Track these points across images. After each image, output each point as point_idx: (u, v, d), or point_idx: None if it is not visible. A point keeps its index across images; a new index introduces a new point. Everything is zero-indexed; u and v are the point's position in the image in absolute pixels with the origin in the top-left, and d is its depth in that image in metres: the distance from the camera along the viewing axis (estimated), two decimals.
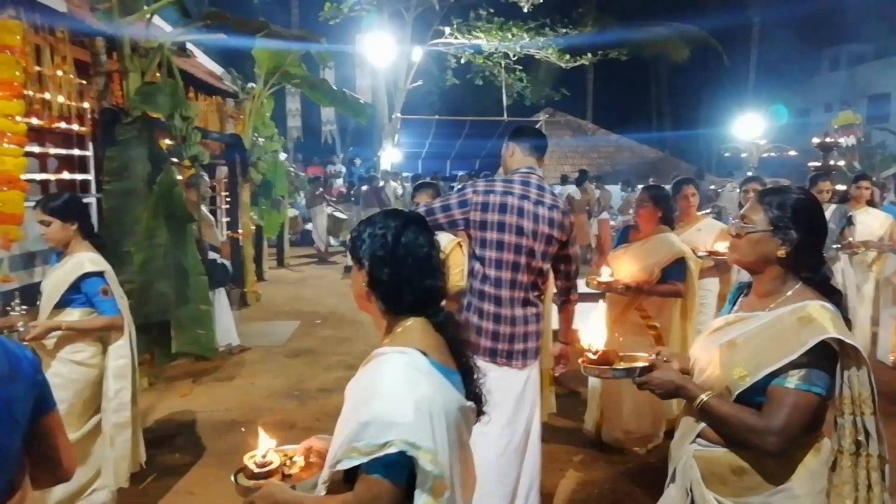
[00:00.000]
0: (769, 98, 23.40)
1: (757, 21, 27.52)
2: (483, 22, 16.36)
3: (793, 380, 1.61)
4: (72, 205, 3.22)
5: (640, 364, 1.72)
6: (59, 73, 5.02)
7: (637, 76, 28.83)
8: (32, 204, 3.46)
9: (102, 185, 5.02)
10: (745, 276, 4.53)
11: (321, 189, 14.49)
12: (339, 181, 19.64)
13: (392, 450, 1.29)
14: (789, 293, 1.72)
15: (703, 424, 1.75)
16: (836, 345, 1.61)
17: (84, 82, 5.33)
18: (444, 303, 1.59)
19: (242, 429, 4.44)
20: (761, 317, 1.72)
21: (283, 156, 11.41)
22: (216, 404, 5.09)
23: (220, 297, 6.32)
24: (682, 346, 3.91)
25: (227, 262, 6.85)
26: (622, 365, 1.73)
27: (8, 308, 4.76)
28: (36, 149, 5.19)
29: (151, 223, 4.81)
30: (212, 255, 6.20)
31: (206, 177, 6.51)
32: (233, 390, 5.43)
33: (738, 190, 9.82)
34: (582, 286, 3.38)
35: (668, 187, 4.61)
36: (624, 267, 3.84)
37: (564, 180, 14.50)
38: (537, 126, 16.19)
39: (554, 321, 3.11)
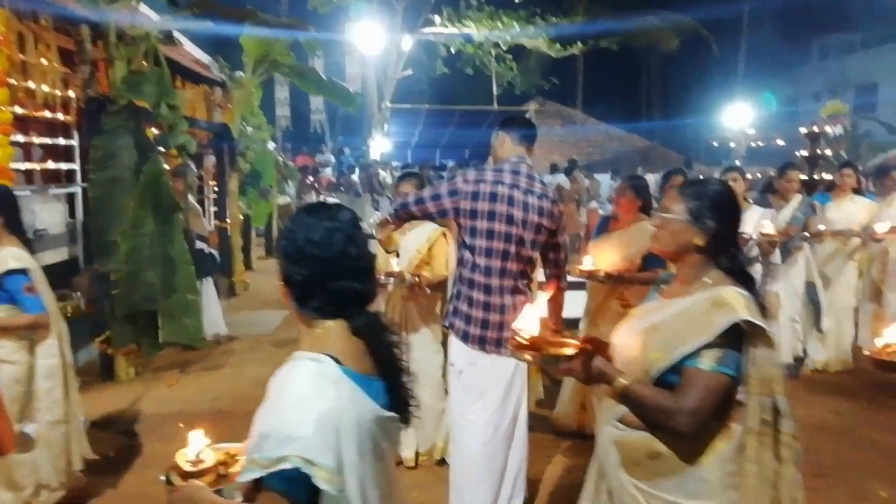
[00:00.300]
0: (758, 87, 23.49)
1: (746, 10, 27.56)
2: (473, 11, 16.29)
3: (706, 361, 1.66)
4: None
5: (568, 351, 1.73)
6: (44, 61, 4.97)
7: (627, 66, 28.83)
8: (21, 193, 3.42)
9: (88, 174, 4.99)
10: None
11: (311, 178, 14.42)
12: (328, 170, 19.55)
13: (287, 465, 1.23)
14: (707, 280, 1.78)
15: (622, 409, 1.79)
16: (747, 327, 1.67)
17: (69, 71, 5.28)
18: (374, 303, 1.51)
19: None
20: (680, 302, 1.79)
21: (271, 145, 11.34)
22: (204, 394, 5.08)
23: (208, 287, 6.29)
24: None
25: (215, 252, 6.82)
26: (550, 351, 1.73)
27: None
28: (20, 138, 5.14)
29: (138, 213, 4.79)
30: (199, 244, 6.17)
31: (193, 166, 6.46)
32: (220, 380, 5.42)
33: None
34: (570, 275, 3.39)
35: (653, 177, 4.62)
36: (605, 256, 3.85)
37: (554, 169, 14.51)
38: (527, 115, 16.16)
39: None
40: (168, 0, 5.63)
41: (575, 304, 3.92)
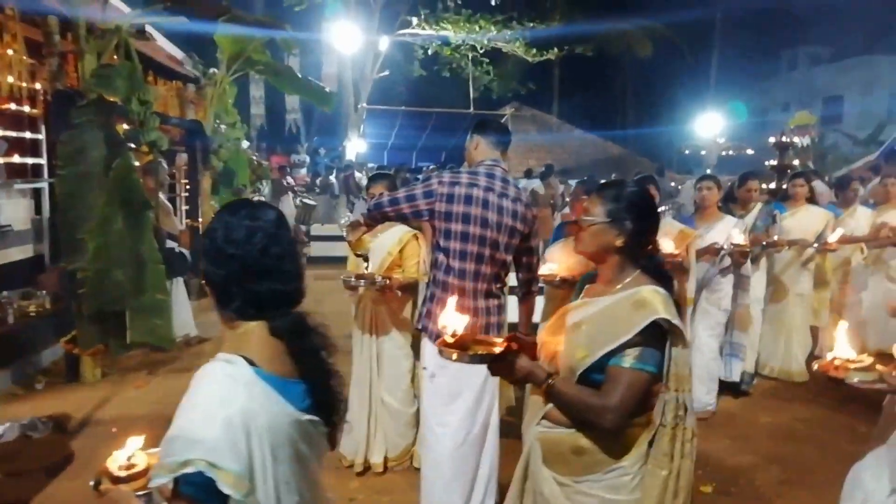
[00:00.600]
0: (729, 97, 23.96)
1: (719, 20, 28.08)
2: (451, 13, 16.33)
3: (628, 359, 1.72)
4: None
5: (496, 349, 1.74)
6: (10, 52, 4.84)
7: (603, 73, 29.15)
8: None
9: (56, 169, 4.87)
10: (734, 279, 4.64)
11: (288, 178, 14.29)
12: (303, 171, 19.41)
13: (191, 469, 1.21)
14: (628, 280, 1.84)
15: (548, 407, 1.84)
16: (666, 325, 1.73)
17: (36, 63, 5.15)
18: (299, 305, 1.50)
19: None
20: (602, 301, 1.84)
21: (245, 144, 11.21)
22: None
23: (178, 287, 6.19)
24: None
25: (186, 251, 6.71)
26: (478, 350, 1.72)
27: None
28: None
29: (107, 210, 4.68)
30: (170, 243, 6.07)
31: (164, 163, 6.35)
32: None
33: None
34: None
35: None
36: (562, 260, 3.88)
37: (529, 174, 14.58)
38: (503, 120, 16.26)
39: (512, 314, 3.12)
40: None
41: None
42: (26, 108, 5.27)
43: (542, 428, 1.86)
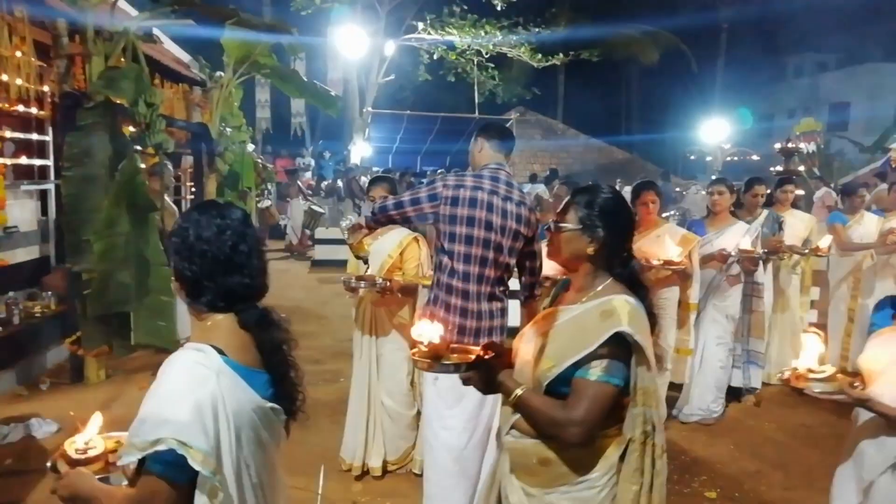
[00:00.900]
0: (735, 102, 23.88)
1: (725, 27, 28.06)
2: (456, 18, 16.36)
3: (594, 371, 1.67)
4: None
5: (470, 358, 1.71)
6: (18, 54, 4.87)
7: (608, 78, 29.13)
8: None
9: (62, 171, 4.89)
10: (733, 287, 4.62)
11: (298, 182, 14.34)
12: (308, 174, 19.46)
13: (162, 447, 1.29)
14: (600, 288, 1.79)
15: (516, 416, 1.79)
16: (629, 339, 1.67)
17: (44, 65, 5.18)
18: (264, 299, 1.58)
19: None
20: (572, 311, 1.79)
21: (251, 147, 11.25)
22: None
23: None
24: None
25: None
26: (450, 359, 1.71)
27: None
28: None
29: (112, 211, 4.70)
30: None
31: (170, 166, 6.38)
32: None
33: (702, 192, 9.98)
34: None
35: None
36: (547, 261, 3.85)
37: (534, 179, 14.60)
38: (508, 125, 16.26)
39: (514, 318, 3.11)
40: None
41: None
42: (34, 110, 5.30)
43: (510, 437, 1.83)
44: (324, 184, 16.61)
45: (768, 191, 5.33)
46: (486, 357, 1.72)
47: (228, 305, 1.51)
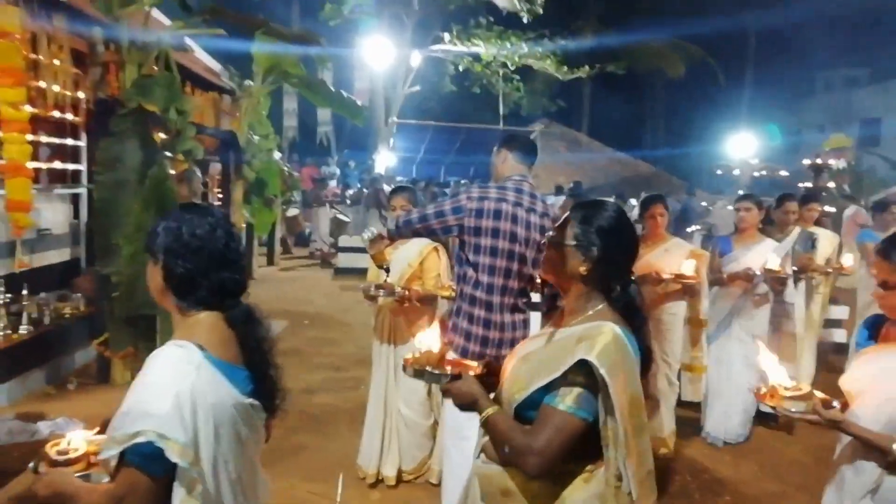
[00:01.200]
0: (763, 117, 23.63)
1: (753, 41, 27.82)
2: (483, 30, 16.44)
3: (564, 400, 1.53)
4: None
5: (449, 370, 1.66)
6: (56, 61, 5.00)
7: (633, 91, 29.03)
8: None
9: (94, 175, 5.00)
10: (734, 302, 4.55)
11: (325, 190, 14.51)
12: (333, 183, 19.64)
13: (141, 439, 1.32)
14: (591, 312, 1.64)
15: (485, 439, 1.69)
16: (597, 374, 1.50)
17: (80, 72, 5.31)
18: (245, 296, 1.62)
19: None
20: (558, 334, 1.67)
21: (277, 155, 11.40)
22: None
23: None
24: None
25: None
26: (433, 369, 1.67)
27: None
28: (29, 137, 5.16)
29: (142, 216, 4.79)
30: None
31: (198, 172, 6.48)
32: None
33: (729, 207, 9.85)
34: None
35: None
36: None
37: (559, 191, 14.57)
38: (532, 137, 16.26)
39: (535, 330, 3.10)
40: (181, 6, 5.67)
41: None
42: (69, 116, 5.42)
43: (479, 461, 1.72)
44: (349, 192, 16.74)
45: (819, 210, 5.23)
46: (471, 372, 1.67)
47: (218, 301, 1.55)
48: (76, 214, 6.12)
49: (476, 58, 17.04)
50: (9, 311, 4.82)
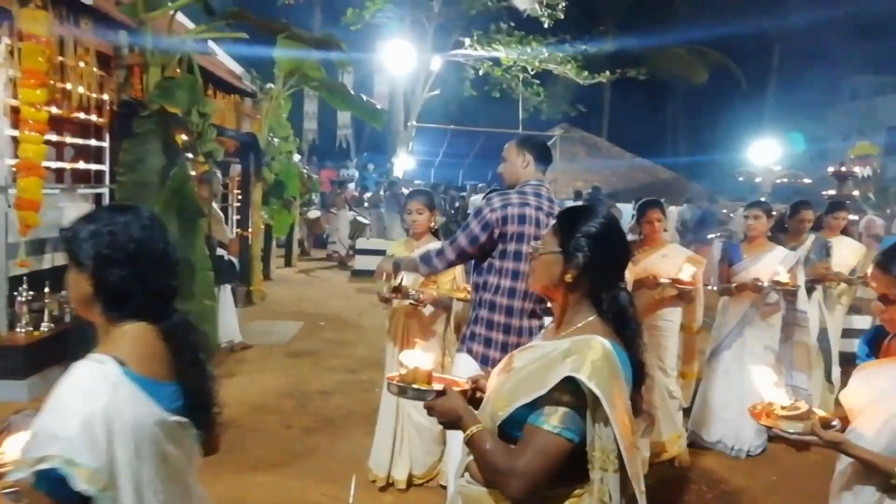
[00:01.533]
0: (786, 124, 23.34)
1: (777, 48, 27.51)
2: (503, 34, 16.44)
3: (549, 420, 1.45)
4: None
5: (436, 386, 1.59)
6: (82, 64, 5.08)
7: (655, 97, 28.85)
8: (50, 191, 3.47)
9: (116, 176, 5.06)
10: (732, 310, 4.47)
11: (344, 193, 14.60)
12: (352, 185, 19.74)
13: (46, 465, 1.23)
14: (580, 324, 1.56)
15: (469, 458, 1.61)
16: (585, 390, 1.42)
17: (104, 74, 5.39)
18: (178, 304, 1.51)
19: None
20: (544, 347, 1.59)
21: (297, 157, 11.49)
22: None
23: (225, 294, 6.34)
24: None
25: (235, 260, 6.87)
26: (417, 386, 1.59)
27: (15, 293, 4.83)
28: (54, 137, 5.25)
29: (162, 217, 4.83)
30: (220, 251, 6.23)
31: (219, 174, 6.56)
32: (232, 387, 5.43)
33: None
34: None
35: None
36: None
37: (578, 196, 14.50)
38: (552, 142, 16.23)
39: None
40: (205, 10, 5.74)
41: None
42: (93, 117, 5.51)
43: (462, 481, 1.64)
44: (367, 195, 16.82)
45: (815, 215, 5.11)
46: (456, 389, 1.61)
47: (151, 310, 1.43)
48: None
49: (496, 62, 17.04)
50: (31, 308, 4.89)
